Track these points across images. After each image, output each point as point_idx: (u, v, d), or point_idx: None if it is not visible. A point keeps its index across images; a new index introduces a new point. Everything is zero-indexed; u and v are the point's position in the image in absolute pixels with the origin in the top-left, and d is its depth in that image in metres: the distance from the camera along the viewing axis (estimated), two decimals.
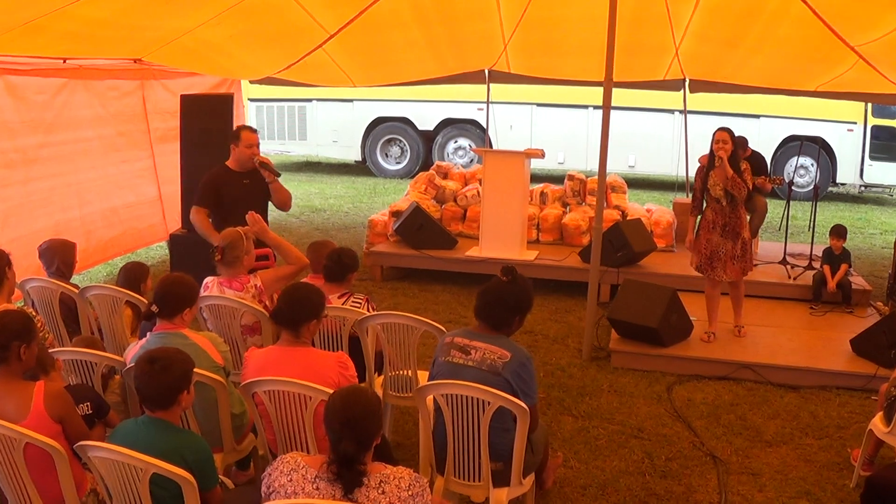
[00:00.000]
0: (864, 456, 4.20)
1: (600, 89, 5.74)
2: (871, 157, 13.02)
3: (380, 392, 4.23)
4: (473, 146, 13.94)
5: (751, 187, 5.92)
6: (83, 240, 7.30)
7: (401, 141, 14.79)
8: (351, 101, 14.44)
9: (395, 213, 8.33)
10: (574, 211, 8.74)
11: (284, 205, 5.65)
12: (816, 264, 7.49)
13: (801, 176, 13.02)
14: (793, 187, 8.58)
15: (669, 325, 5.82)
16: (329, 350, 4.10)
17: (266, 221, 5.46)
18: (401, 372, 4.21)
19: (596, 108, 12.51)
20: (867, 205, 13.50)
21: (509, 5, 7.80)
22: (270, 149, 14.76)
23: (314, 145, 15.09)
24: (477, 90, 11.00)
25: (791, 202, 8.56)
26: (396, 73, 9.60)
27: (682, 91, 9.89)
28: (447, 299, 7.42)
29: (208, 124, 6.95)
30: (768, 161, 10.54)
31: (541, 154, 7.77)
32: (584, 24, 7.53)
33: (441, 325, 3.97)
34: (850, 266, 7.17)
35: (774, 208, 10.21)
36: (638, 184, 13.94)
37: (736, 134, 5.95)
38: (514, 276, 3.40)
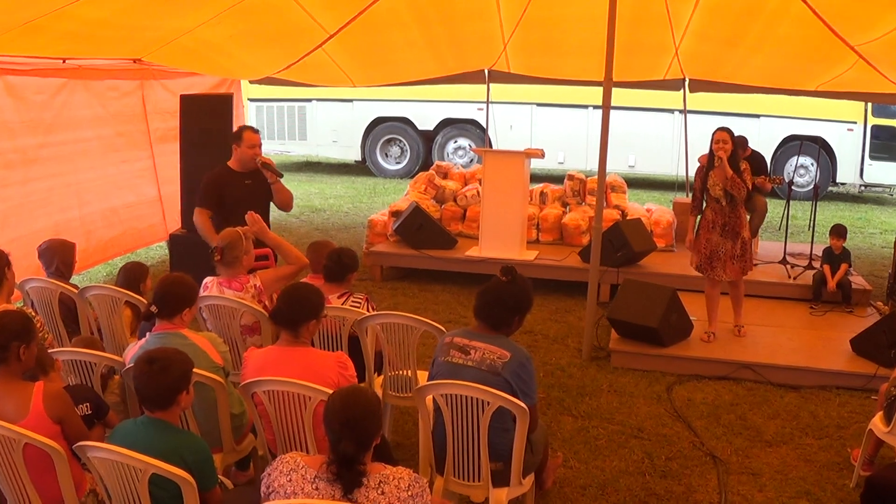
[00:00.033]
0: (864, 456, 4.20)
1: (600, 89, 5.74)
2: (871, 157, 13.02)
3: (379, 392, 4.23)
4: (473, 146, 13.94)
5: (750, 187, 5.92)
6: (83, 240, 7.30)
7: (401, 141, 14.79)
8: (351, 101, 14.44)
9: (395, 213, 8.33)
10: (574, 211, 8.74)
11: (286, 205, 5.65)
12: (816, 264, 7.49)
13: (801, 175, 13.02)
14: (793, 187, 8.58)
15: (669, 324, 5.82)
16: (328, 350, 4.10)
17: (268, 222, 5.46)
18: (400, 372, 4.21)
19: (596, 107, 12.50)
20: (867, 204, 13.50)
21: (509, 5, 7.79)
22: (270, 149, 14.76)
23: (314, 145, 15.09)
24: (477, 90, 10.99)
25: (791, 202, 8.57)
26: (396, 73, 9.60)
27: (681, 91, 9.89)
28: (447, 299, 7.42)
29: (208, 124, 6.95)
30: (768, 161, 10.54)
31: (540, 154, 7.77)
32: (584, 23, 7.53)
33: (441, 325, 3.97)
34: (850, 266, 7.17)
35: (774, 208, 10.21)
36: (638, 183, 13.94)
37: (736, 133, 5.95)
38: (513, 276, 3.40)
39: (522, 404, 3.17)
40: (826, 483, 4.25)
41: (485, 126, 12.02)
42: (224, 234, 4.44)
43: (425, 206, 8.36)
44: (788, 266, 7.67)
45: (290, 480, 2.47)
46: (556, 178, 10.88)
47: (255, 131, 5.51)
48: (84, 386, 3.55)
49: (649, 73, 9.27)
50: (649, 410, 5.12)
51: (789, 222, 8.37)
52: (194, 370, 3.04)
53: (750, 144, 8.22)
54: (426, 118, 14.43)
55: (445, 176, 9.26)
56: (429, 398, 3.34)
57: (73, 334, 4.55)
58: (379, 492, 2.42)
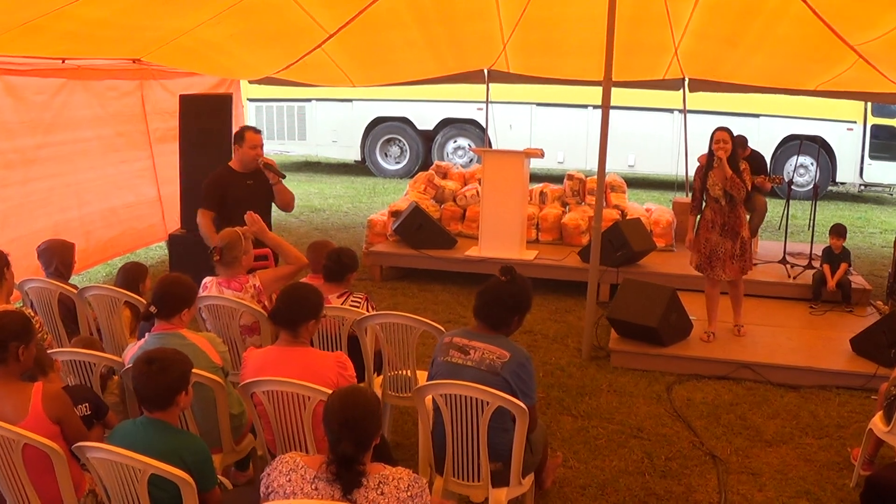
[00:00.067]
0: (863, 455, 4.20)
1: (599, 89, 5.73)
2: (871, 157, 13.02)
3: (379, 392, 4.23)
4: (473, 146, 13.94)
5: (749, 188, 5.92)
6: (82, 240, 7.30)
7: (400, 141, 14.79)
8: (350, 100, 14.43)
9: (395, 213, 8.33)
10: (573, 210, 8.74)
11: (287, 206, 5.64)
12: (816, 263, 7.49)
13: (800, 175, 13.02)
14: (792, 186, 8.57)
15: (669, 324, 5.82)
16: (328, 350, 4.10)
17: (269, 222, 5.46)
18: (400, 372, 4.21)
19: (595, 107, 12.47)
20: (867, 204, 13.50)
21: (508, 5, 7.79)
22: (270, 149, 14.75)
23: (313, 145, 15.09)
24: (476, 90, 11.00)
25: (791, 201, 8.56)
26: (396, 72, 9.60)
27: (681, 90, 9.89)
28: (446, 299, 7.42)
29: (207, 124, 6.95)
30: (768, 160, 10.54)
31: (540, 154, 7.77)
32: (584, 23, 7.53)
33: (440, 325, 3.96)
34: (849, 265, 7.17)
35: (774, 207, 10.21)
36: (637, 183, 13.94)
37: (735, 133, 5.95)
38: (513, 276, 3.40)
39: (522, 404, 3.17)
40: (826, 483, 4.25)
41: (484, 126, 12.02)
42: (223, 235, 4.43)
43: (425, 206, 8.36)
44: (788, 266, 7.66)
45: (290, 481, 2.47)
46: (556, 178, 10.88)
47: (257, 132, 5.50)
48: (83, 386, 3.55)
49: (649, 73, 9.26)
50: (649, 410, 5.12)
51: (789, 222, 8.36)
52: (193, 370, 3.04)
53: (749, 144, 8.22)
54: (426, 118, 14.43)
55: (445, 176, 9.26)
56: (428, 398, 3.33)
57: (72, 334, 4.55)
58: (378, 492, 2.42)
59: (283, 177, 5.48)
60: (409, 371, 4.16)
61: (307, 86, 10.96)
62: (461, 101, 13.71)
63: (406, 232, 8.01)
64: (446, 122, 14.41)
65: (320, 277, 4.40)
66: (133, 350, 3.49)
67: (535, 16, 7.94)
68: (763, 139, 12.43)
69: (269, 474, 2.52)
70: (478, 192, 8.38)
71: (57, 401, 2.97)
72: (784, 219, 8.38)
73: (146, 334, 3.57)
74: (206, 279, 4.42)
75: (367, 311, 4.27)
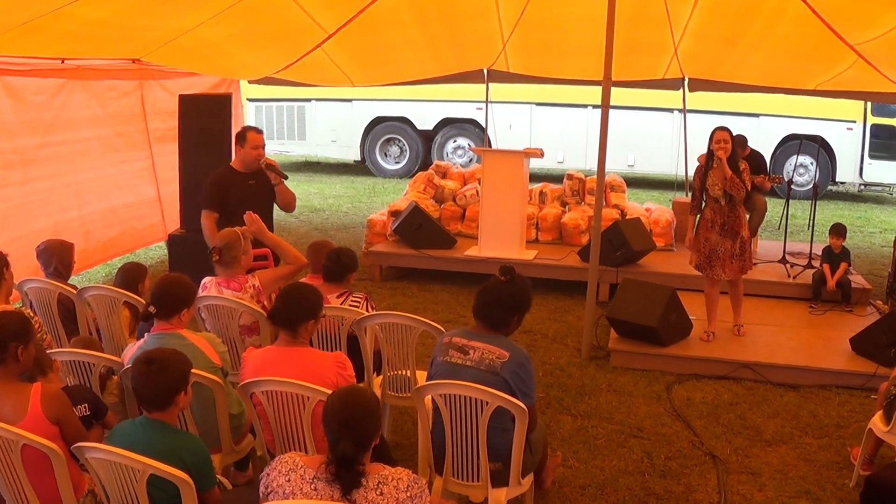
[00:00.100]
0: (863, 455, 4.20)
1: (599, 88, 5.73)
2: (871, 156, 13.02)
3: (378, 392, 4.23)
4: (472, 145, 13.94)
5: (749, 187, 5.92)
6: (82, 240, 7.30)
7: (400, 140, 14.78)
8: (350, 100, 14.43)
9: (394, 213, 8.32)
10: (573, 210, 8.74)
11: (289, 206, 5.64)
12: (816, 263, 7.49)
13: (800, 175, 13.01)
14: (792, 186, 8.57)
15: (669, 324, 5.82)
16: (327, 350, 4.09)
17: (271, 222, 5.46)
18: (399, 372, 4.21)
19: (595, 107, 12.47)
20: (867, 203, 13.50)
21: (508, 5, 7.79)
22: (269, 149, 14.61)
23: (313, 145, 15.09)
24: (476, 89, 11.00)
25: (790, 201, 8.56)
26: (395, 72, 9.60)
27: (681, 90, 9.89)
28: (446, 299, 7.42)
29: (207, 124, 6.95)
30: (768, 160, 10.54)
31: (540, 153, 7.77)
32: (583, 23, 7.52)
33: (440, 325, 3.96)
34: (849, 265, 7.17)
35: (774, 207, 10.21)
36: (637, 183, 13.94)
37: (735, 133, 5.95)
38: (512, 276, 3.40)
39: (521, 404, 3.16)
40: (826, 482, 4.25)
41: (484, 125, 12.03)
42: (222, 235, 4.43)
43: (424, 206, 8.35)
44: (788, 265, 7.66)
45: (289, 481, 2.47)
46: (556, 178, 10.88)
47: (259, 132, 5.50)
48: (82, 386, 3.55)
49: (648, 73, 9.26)
50: (649, 410, 5.12)
51: (789, 221, 8.36)
52: (193, 370, 3.04)
53: (749, 143, 8.22)
54: (425, 118, 14.43)
55: (445, 175, 9.26)
56: (428, 398, 3.33)
57: (71, 335, 4.54)
58: (378, 492, 2.42)
59: (286, 177, 5.48)
60: (408, 371, 4.16)
61: (307, 86, 10.96)
62: (461, 101, 13.71)
63: (406, 232, 8.01)
64: (446, 122, 14.41)
65: (320, 277, 4.39)
66: (132, 350, 3.49)
67: (534, 16, 7.93)
68: (763, 139, 12.43)
69: (268, 474, 2.52)
70: (477, 192, 8.38)
71: (56, 401, 2.97)
72: (784, 218, 8.38)
73: (145, 334, 3.57)
74: (206, 279, 4.42)
75: (367, 311, 4.27)
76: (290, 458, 2.52)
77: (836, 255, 7.11)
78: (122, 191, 8.17)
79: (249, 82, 9.96)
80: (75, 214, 7.43)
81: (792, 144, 12.64)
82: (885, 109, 12.79)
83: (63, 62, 7.01)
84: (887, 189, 13.91)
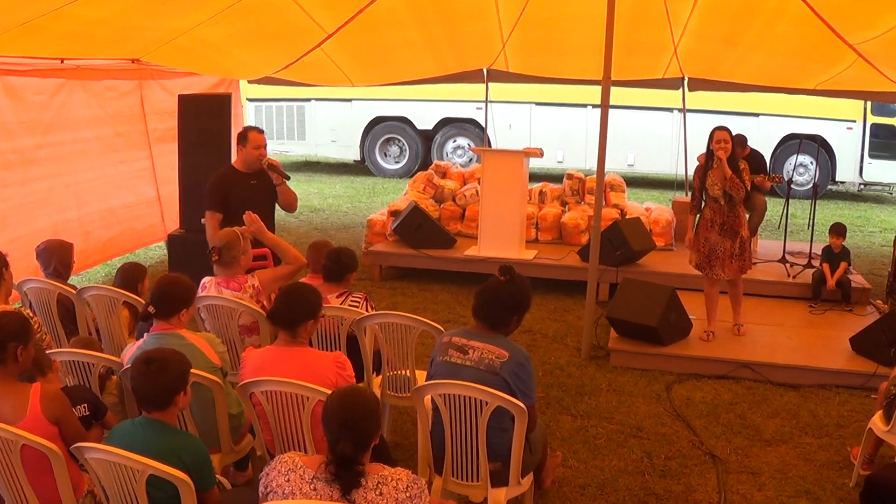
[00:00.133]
0: (863, 455, 4.19)
1: (599, 88, 5.73)
2: (871, 155, 13.01)
3: (378, 392, 4.23)
4: (472, 145, 13.94)
5: (749, 187, 5.92)
6: (81, 240, 7.30)
7: (399, 140, 14.78)
8: (349, 100, 14.43)
9: (394, 213, 8.32)
10: (573, 210, 8.73)
11: (291, 206, 5.64)
12: (816, 262, 7.49)
13: (800, 174, 13.01)
14: (792, 185, 8.57)
15: (668, 323, 5.82)
16: (327, 350, 4.09)
17: (272, 222, 5.45)
18: (399, 372, 4.21)
19: (595, 106, 12.50)
20: (866, 203, 13.50)
21: (507, 4, 7.79)
22: (269, 149, 14.65)
23: (313, 145, 15.09)
24: (476, 89, 10.99)
25: (790, 200, 8.56)
26: (395, 72, 9.59)
27: (680, 89, 9.89)
28: (446, 299, 7.41)
29: (206, 124, 6.95)
30: (767, 159, 10.53)
31: (539, 153, 7.77)
32: (583, 22, 7.52)
33: (439, 325, 3.96)
34: (849, 264, 7.17)
35: (774, 206, 10.21)
36: (637, 182, 13.93)
37: (735, 132, 5.94)
38: (512, 276, 3.40)
39: (521, 404, 3.16)
40: (826, 482, 4.25)
41: (484, 125, 12.02)
42: (221, 235, 4.43)
43: (424, 206, 8.35)
44: (788, 265, 7.66)
45: (289, 481, 2.46)
46: (555, 177, 10.87)
47: (261, 132, 5.49)
48: (82, 387, 3.55)
49: (648, 72, 9.26)
50: (648, 409, 5.12)
51: (788, 221, 8.36)
52: (192, 370, 3.04)
53: (749, 143, 8.22)
54: (425, 117, 14.42)
55: (444, 175, 9.26)
56: (427, 398, 3.33)
57: (71, 335, 4.54)
58: (377, 493, 2.42)
59: (288, 178, 5.47)
60: (408, 371, 4.16)
61: (306, 85, 10.95)
62: (460, 101, 13.70)
63: (405, 231, 8.01)
64: (446, 122, 14.41)
65: (320, 277, 4.39)
66: (132, 350, 3.48)
67: (534, 15, 7.93)
68: (762, 138, 12.43)
69: (267, 474, 2.52)
70: (477, 192, 8.38)
71: (55, 401, 2.97)
72: (784, 218, 8.38)
73: (145, 334, 3.56)
74: (205, 279, 4.42)
75: (367, 311, 4.26)
76: (289, 458, 2.52)
77: (835, 255, 7.11)
78: (122, 191, 8.17)
79: (249, 82, 9.95)
80: (75, 214, 7.43)
81: (792, 144, 12.64)
82: (884, 109, 12.79)
83: (62, 62, 7.01)
84: (887, 188, 13.91)
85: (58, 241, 4.90)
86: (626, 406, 5.16)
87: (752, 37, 7.63)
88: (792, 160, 12.64)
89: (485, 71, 9.92)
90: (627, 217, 8.16)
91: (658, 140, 13.22)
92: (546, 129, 13.72)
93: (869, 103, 12.62)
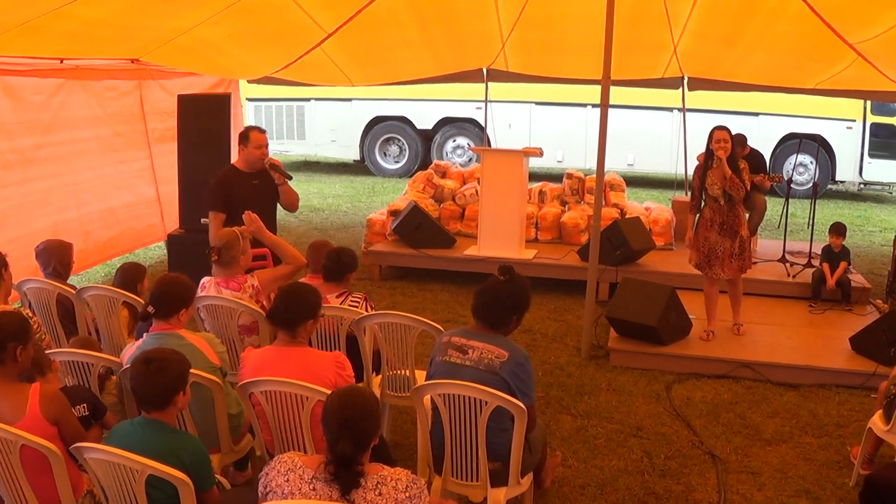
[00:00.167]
0: (863, 454, 4.19)
1: (598, 87, 5.73)
2: (871, 155, 13.01)
3: (377, 392, 4.23)
4: (472, 145, 13.94)
5: (749, 187, 5.91)
6: (81, 240, 7.29)
7: (399, 140, 14.78)
8: (349, 100, 14.43)
9: (394, 213, 8.32)
10: (573, 209, 8.73)
11: (292, 206, 5.64)
12: (816, 262, 7.49)
13: (800, 174, 13.01)
14: (792, 185, 8.56)
15: (668, 323, 5.82)
16: (326, 350, 4.09)
17: (274, 222, 5.45)
18: (398, 371, 4.20)
19: (594, 106, 12.50)
20: (866, 202, 13.49)
21: (507, 4, 7.79)
22: (269, 149, 14.71)
23: (313, 145, 15.09)
24: (475, 89, 10.99)
25: (790, 200, 8.55)
26: (394, 72, 9.59)
27: (680, 89, 9.88)
28: (446, 298, 7.41)
29: (206, 124, 6.95)
30: (767, 159, 10.52)
31: (539, 153, 7.76)
32: (582, 22, 7.52)
33: (439, 325, 3.96)
34: (849, 264, 7.17)
35: (773, 206, 10.20)
36: (637, 182, 13.93)
37: (734, 131, 5.93)
38: (511, 276, 3.40)
39: (520, 404, 3.16)
40: (825, 482, 4.25)
41: (483, 125, 12.02)
42: (221, 234, 4.43)
43: (424, 206, 8.35)
44: (787, 264, 7.66)
45: (288, 481, 2.46)
46: (555, 177, 10.86)
47: (262, 131, 5.48)
48: (81, 387, 3.54)
49: (648, 72, 9.26)
50: (648, 409, 5.12)
51: (788, 220, 8.36)
52: (191, 370, 3.04)
53: (749, 142, 8.22)
54: (425, 117, 14.42)
55: (444, 175, 9.25)
56: (427, 398, 3.33)
57: (70, 335, 4.54)
58: (376, 493, 2.41)
59: (290, 178, 5.46)
60: (407, 371, 4.16)
61: (306, 85, 10.95)
62: (460, 101, 13.70)
63: (405, 231, 8.00)
64: (445, 122, 14.40)
65: (320, 277, 4.39)
66: (131, 350, 3.48)
67: (533, 15, 7.93)
68: (762, 138, 12.43)
69: (267, 474, 2.52)
70: (477, 192, 8.38)
71: (55, 401, 2.97)
72: (783, 217, 8.37)
73: (144, 334, 3.56)
74: (205, 279, 4.42)
75: (366, 311, 4.26)
76: (288, 458, 2.52)
77: (835, 254, 7.11)
78: (121, 191, 8.17)
79: (249, 82, 9.95)
80: (74, 214, 7.43)
81: (791, 143, 12.64)
82: (884, 108, 12.79)
83: (62, 62, 7.01)
84: (887, 188, 13.89)
85: (57, 241, 4.90)
86: (626, 406, 5.16)
87: (752, 36, 7.63)
88: (792, 159, 12.63)
89: (484, 70, 9.91)
90: (627, 216, 8.15)
91: (658, 139, 13.21)
92: (546, 128, 13.72)
93: (869, 103, 12.62)
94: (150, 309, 3.53)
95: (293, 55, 8.14)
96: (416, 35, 8.20)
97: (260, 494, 2.53)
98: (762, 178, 7.64)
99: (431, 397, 3.29)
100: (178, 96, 7.29)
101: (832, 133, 12.80)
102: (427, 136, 14.57)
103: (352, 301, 4.31)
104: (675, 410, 5.09)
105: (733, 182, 5.68)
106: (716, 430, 4.83)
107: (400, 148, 14.83)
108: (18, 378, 3.03)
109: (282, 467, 2.50)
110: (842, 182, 13.71)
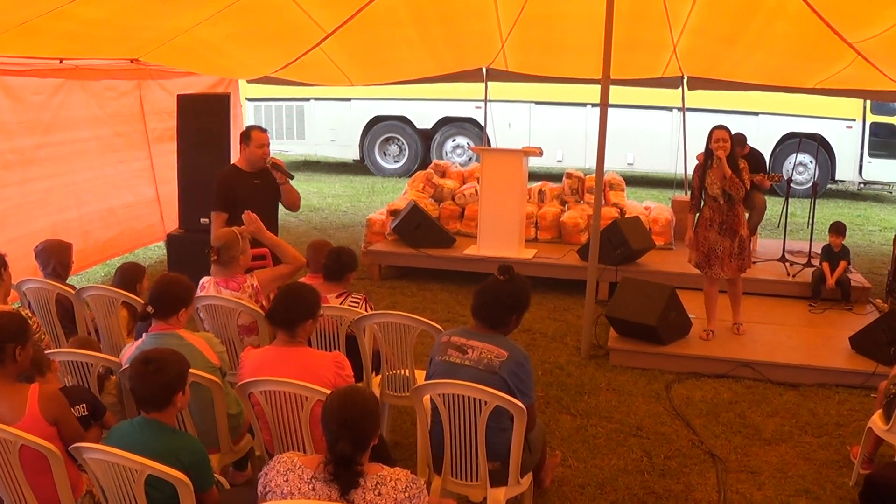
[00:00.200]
0: (863, 454, 4.19)
1: (598, 87, 5.73)
2: (870, 154, 13.02)
3: (377, 392, 4.22)
4: (471, 144, 13.94)
5: (748, 187, 5.91)
6: (81, 240, 7.29)
7: (399, 140, 14.78)
8: (349, 100, 14.43)
9: (393, 212, 8.32)
10: (572, 209, 8.73)
11: (294, 205, 5.64)
12: (815, 261, 7.49)
13: (799, 173, 13.01)
14: (791, 184, 8.56)
15: (668, 322, 5.81)
16: (326, 350, 4.09)
17: (276, 222, 5.45)
18: (398, 371, 4.20)
19: (594, 105, 12.50)
20: (866, 202, 13.49)
21: (506, 3, 7.79)
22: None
23: (312, 144, 15.09)
24: (475, 88, 11.00)
25: (790, 199, 8.55)
26: (394, 71, 9.59)
27: (680, 88, 9.88)
28: (445, 298, 7.41)
29: (205, 124, 6.95)
30: (767, 158, 10.52)
31: (539, 152, 7.76)
32: (582, 21, 7.52)
33: (439, 325, 3.96)
34: (849, 263, 7.16)
35: (773, 205, 10.20)
36: (636, 181, 13.93)
37: (734, 131, 5.93)
38: (511, 275, 3.39)
39: (520, 403, 3.16)
40: (825, 481, 4.24)
41: (483, 124, 12.02)
42: (220, 234, 4.43)
43: (423, 205, 8.35)
44: (787, 264, 7.66)
45: (287, 480, 2.46)
46: (555, 177, 10.85)
47: (264, 131, 5.49)
48: (80, 387, 3.54)
49: (647, 71, 9.26)
50: (648, 409, 5.11)
51: (788, 220, 8.36)
52: (191, 370, 3.04)
53: (749, 142, 8.22)
54: (424, 117, 14.42)
55: (444, 174, 9.25)
56: (426, 398, 3.33)
57: (69, 335, 4.53)
58: (376, 493, 2.41)
59: (292, 177, 5.47)
60: (407, 370, 4.16)
61: (306, 85, 10.95)
62: (460, 100, 13.70)
63: (405, 231, 8.00)
64: (445, 121, 14.41)
65: (319, 277, 4.39)
66: (130, 350, 3.48)
67: (533, 14, 7.93)
68: (762, 137, 12.42)
69: (266, 474, 2.52)
70: (476, 191, 8.38)
71: (54, 401, 2.97)
72: (783, 217, 8.37)
73: (143, 334, 3.56)
74: (204, 279, 4.41)
75: (366, 311, 4.26)
76: (288, 458, 2.52)
77: (835, 254, 7.11)
78: (121, 191, 8.17)
79: (248, 82, 9.95)
80: (74, 214, 7.43)
81: (791, 143, 12.64)
82: (884, 107, 12.79)
83: (61, 62, 7.01)
84: (887, 187, 13.89)
85: (56, 241, 4.89)
86: (626, 405, 5.16)
87: (752, 35, 7.62)
88: (791, 159, 12.64)
89: (484, 70, 9.91)
90: (627, 216, 8.15)
91: (657, 139, 13.21)
92: (545, 128, 13.72)
93: (868, 102, 12.62)
94: (150, 309, 3.52)
95: (292, 55, 8.13)
96: (415, 35, 8.20)
97: (259, 494, 2.53)
98: (762, 178, 7.64)
99: (431, 397, 3.29)
100: (178, 96, 7.29)
101: (832, 132, 12.80)
102: (427, 136, 14.57)
103: (352, 301, 4.31)
104: (674, 410, 5.09)
105: (733, 181, 5.68)
106: (715, 430, 4.83)
107: (399, 147, 14.84)
108: (18, 378, 3.03)
109: (281, 467, 2.50)
110: (841, 181, 13.70)
